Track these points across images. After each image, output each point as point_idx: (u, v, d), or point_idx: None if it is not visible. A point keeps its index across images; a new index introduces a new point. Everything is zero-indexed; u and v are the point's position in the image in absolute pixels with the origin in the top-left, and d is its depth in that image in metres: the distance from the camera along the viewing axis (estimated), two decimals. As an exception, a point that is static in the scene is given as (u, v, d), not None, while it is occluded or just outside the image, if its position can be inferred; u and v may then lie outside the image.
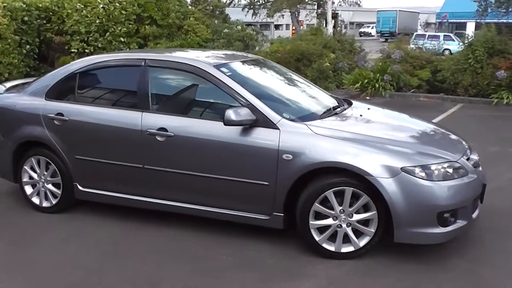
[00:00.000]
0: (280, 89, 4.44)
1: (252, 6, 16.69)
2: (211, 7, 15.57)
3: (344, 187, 3.49)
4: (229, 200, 3.86)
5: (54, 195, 4.49)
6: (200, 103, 4.25)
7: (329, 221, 3.58)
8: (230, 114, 3.59)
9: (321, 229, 3.62)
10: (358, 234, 3.59)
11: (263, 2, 16.36)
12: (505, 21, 15.20)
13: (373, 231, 3.54)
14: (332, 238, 3.61)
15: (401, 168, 3.38)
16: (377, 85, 11.65)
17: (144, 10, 11.61)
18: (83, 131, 4.25)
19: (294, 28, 21.59)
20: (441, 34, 32.28)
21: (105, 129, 4.15)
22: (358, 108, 4.49)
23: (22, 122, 4.50)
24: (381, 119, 4.47)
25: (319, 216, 3.60)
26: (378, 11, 48.58)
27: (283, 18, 19.08)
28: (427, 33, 32.65)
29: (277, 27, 49.41)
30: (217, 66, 4.04)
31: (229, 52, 5.77)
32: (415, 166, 3.41)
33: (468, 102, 11.01)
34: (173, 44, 11.66)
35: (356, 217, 3.54)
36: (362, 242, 3.58)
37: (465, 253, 3.74)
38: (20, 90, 4.74)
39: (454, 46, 31.49)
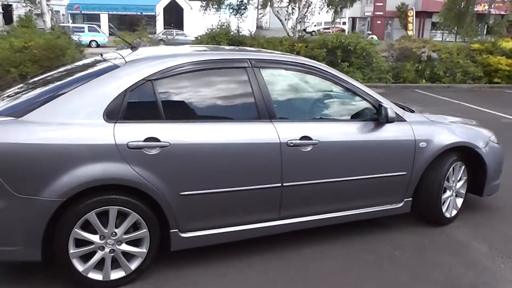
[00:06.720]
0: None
1: None
2: None
3: (457, 162, 4.12)
4: (370, 197, 3.83)
5: (130, 259, 3.14)
6: (328, 105, 3.90)
7: (448, 194, 4.14)
8: (392, 112, 3.68)
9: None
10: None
11: None
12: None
13: (464, 192, 4.33)
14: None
15: (489, 138, 4.32)
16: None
17: None
18: (196, 157, 3.15)
19: None
20: (86, 26, 32.25)
21: (230, 149, 3.24)
22: None
23: (69, 163, 2.85)
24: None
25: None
26: None
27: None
28: (71, 25, 31.90)
29: None
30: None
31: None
32: (490, 136, 4.40)
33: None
34: None
35: (459, 184, 4.24)
36: (460, 203, 4.30)
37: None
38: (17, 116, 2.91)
39: (100, 37, 32.19)
